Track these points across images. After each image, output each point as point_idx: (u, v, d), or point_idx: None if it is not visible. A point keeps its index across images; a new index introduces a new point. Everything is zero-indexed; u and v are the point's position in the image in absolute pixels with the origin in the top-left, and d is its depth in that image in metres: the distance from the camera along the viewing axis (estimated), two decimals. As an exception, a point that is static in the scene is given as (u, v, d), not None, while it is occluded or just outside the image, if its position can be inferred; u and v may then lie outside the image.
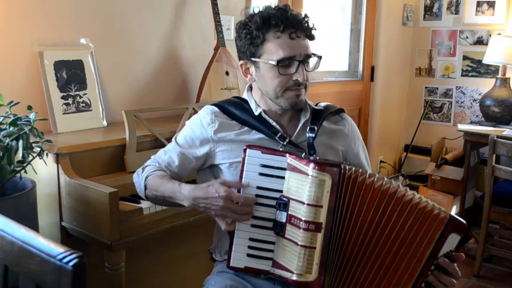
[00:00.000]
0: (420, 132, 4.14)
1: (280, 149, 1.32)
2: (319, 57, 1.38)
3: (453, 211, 3.45)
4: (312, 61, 1.39)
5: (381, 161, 4.06)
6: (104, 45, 2.15)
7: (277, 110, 1.41)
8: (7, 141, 1.54)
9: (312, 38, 1.37)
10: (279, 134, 1.37)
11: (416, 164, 4.12)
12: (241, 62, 1.41)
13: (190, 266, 2.14)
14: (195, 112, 2.08)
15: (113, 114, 2.18)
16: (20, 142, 1.58)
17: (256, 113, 1.40)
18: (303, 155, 1.26)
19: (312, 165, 1.20)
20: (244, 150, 1.27)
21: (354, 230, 1.23)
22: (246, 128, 1.41)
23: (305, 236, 1.20)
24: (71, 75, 1.99)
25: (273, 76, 1.34)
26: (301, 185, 1.22)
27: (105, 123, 2.09)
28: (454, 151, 3.78)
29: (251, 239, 1.27)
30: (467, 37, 3.91)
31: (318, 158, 1.28)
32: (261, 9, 1.35)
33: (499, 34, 3.53)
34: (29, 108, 1.65)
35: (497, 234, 3.13)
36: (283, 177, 1.25)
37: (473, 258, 3.03)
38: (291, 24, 1.31)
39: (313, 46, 1.39)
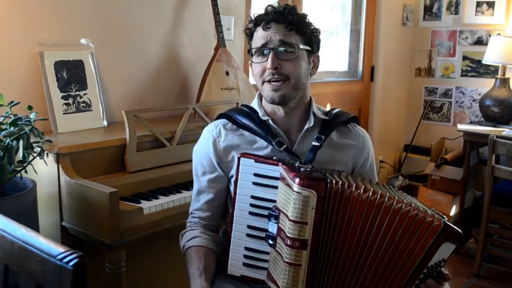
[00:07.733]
0: (420, 132, 4.14)
1: (274, 158, 1.26)
2: (293, 46, 1.28)
3: (453, 211, 3.45)
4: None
5: (381, 161, 4.06)
6: (104, 45, 2.15)
7: (281, 113, 1.36)
8: (7, 141, 1.54)
9: (294, 26, 1.29)
10: (277, 139, 1.32)
11: (416, 164, 4.13)
12: (250, 62, 1.44)
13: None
14: (195, 112, 2.09)
15: (113, 114, 2.17)
16: (21, 142, 1.58)
17: (263, 119, 1.36)
18: (296, 164, 1.22)
19: (297, 180, 1.14)
20: (238, 159, 1.25)
21: (343, 246, 1.17)
22: (250, 134, 1.37)
23: (290, 253, 1.16)
24: (71, 75, 1.99)
25: (254, 69, 1.35)
26: (288, 198, 1.17)
27: (105, 123, 2.10)
28: (453, 151, 3.78)
29: (246, 248, 1.25)
30: (466, 37, 3.91)
31: (312, 167, 1.22)
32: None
33: (499, 34, 3.53)
34: (30, 108, 1.65)
35: (496, 234, 3.13)
36: (276, 187, 1.21)
37: (473, 258, 3.03)
38: (267, 17, 1.30)
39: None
